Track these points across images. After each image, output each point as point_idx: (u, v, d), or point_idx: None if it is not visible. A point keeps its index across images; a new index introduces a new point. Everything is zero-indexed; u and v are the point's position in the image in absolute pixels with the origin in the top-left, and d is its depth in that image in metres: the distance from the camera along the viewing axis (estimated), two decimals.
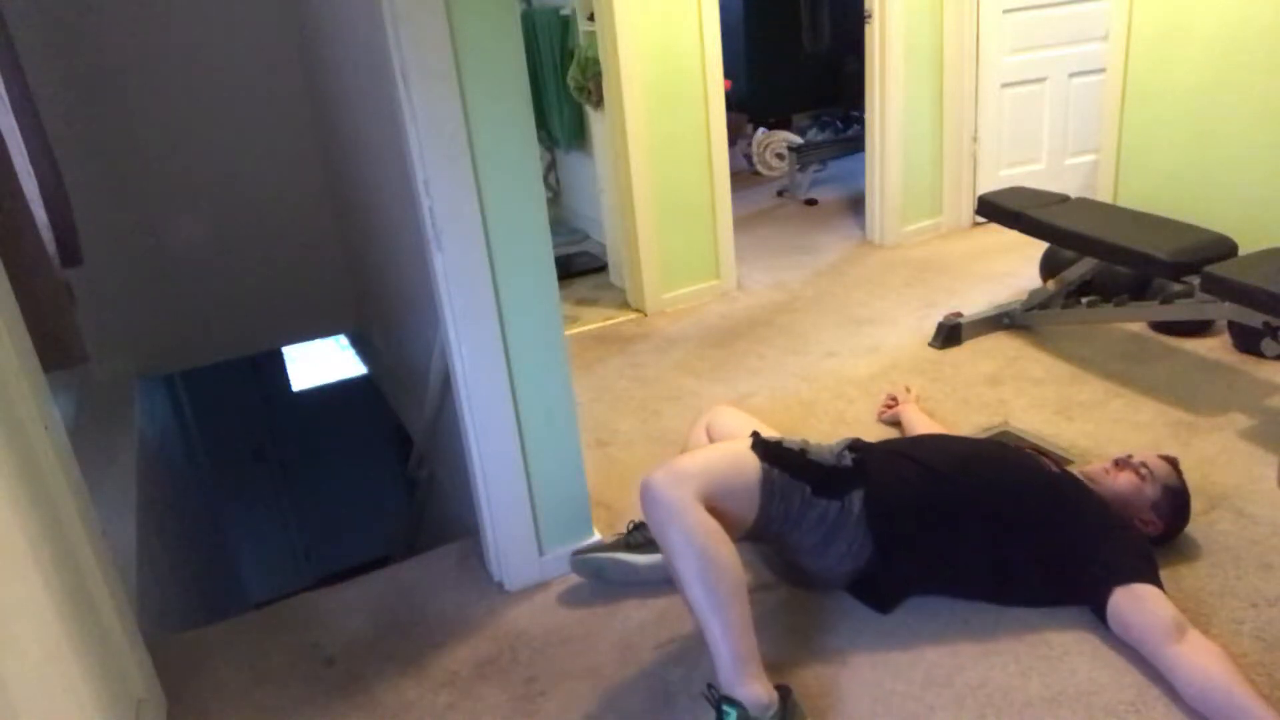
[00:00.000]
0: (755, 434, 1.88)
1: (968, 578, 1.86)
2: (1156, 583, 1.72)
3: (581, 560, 2.07)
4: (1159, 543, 1.92)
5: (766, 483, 1.75)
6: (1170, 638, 1.61)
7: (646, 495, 1.65)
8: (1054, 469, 1.95)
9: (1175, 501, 1.94)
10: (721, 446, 1.90)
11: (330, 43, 2.96)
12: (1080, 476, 1.96)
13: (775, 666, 1.72)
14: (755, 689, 1.54)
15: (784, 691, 1.58)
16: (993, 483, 1.86)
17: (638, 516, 2.15)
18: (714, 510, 1.65)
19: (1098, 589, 1.74)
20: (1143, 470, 1.93)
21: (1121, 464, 1.95)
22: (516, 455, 2.05)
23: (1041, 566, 1.81)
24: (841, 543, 1.82)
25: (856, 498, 1.81)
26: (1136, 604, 1.68)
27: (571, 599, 2.07)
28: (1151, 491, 1.91)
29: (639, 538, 2.06)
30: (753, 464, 1.77)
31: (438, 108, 1.76)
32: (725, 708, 1.52)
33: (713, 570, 1.58)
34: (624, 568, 2.04)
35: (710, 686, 1.58)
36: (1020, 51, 4.18)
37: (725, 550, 1.61)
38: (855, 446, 1.94)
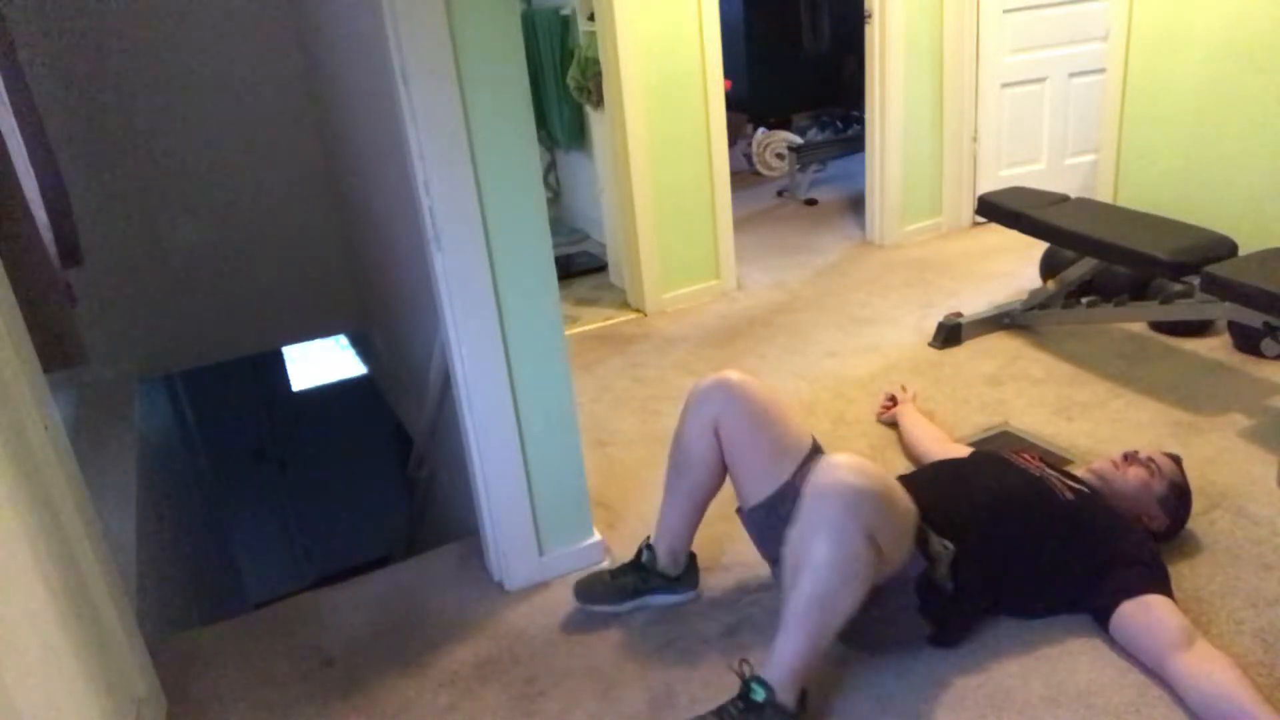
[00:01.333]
0: (922, 514, 1.72)
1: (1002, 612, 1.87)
2: (1167, 592, 1.72)
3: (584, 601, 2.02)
4: (1162, 539, 1.93)
5: (909, 564, 1.67)
6: (1178, 646, 1.60)
7: (829, 485, 1.53)
8: (1069, 496, 1.86)
9: (1180, 498, 1.95)
10: (909, 502, 1.69)
11: (331, 43, 2.96)
12: (1091, 474, 1.95)
13: None
14: (789, 699, 1.55)
15: (803, 695, 1.58)
16: (1038, 551, 1.81)
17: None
18: None
19: (1108, 602, 1.73)
20: (1151, 465, 1.93)
21: (1130, 458, 1.95)
22: (516, 455, 2.05)
23: (1065, 598, 1.81)
24: (896, 636, 1.80)
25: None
26: (1144, 613, 1.67)
27: (571, 599, 2.07)
28: (1159, 487, 1.91)
29: (645, 578, 1.99)
30: (910, 546, 1.66)
31: (438, 108, 1.76)
32: (755, 685, 1.53)
33: (837, 602, 1.53)
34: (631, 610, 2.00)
35: (744, 661, 1.59)
36: (1020, 51, 4.18)
37: (858, 589, 1.53)
38: (956, 564, 1.73)
